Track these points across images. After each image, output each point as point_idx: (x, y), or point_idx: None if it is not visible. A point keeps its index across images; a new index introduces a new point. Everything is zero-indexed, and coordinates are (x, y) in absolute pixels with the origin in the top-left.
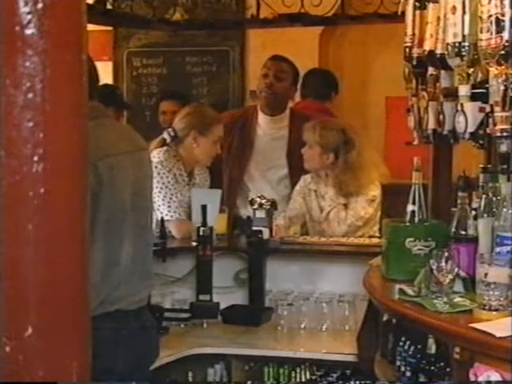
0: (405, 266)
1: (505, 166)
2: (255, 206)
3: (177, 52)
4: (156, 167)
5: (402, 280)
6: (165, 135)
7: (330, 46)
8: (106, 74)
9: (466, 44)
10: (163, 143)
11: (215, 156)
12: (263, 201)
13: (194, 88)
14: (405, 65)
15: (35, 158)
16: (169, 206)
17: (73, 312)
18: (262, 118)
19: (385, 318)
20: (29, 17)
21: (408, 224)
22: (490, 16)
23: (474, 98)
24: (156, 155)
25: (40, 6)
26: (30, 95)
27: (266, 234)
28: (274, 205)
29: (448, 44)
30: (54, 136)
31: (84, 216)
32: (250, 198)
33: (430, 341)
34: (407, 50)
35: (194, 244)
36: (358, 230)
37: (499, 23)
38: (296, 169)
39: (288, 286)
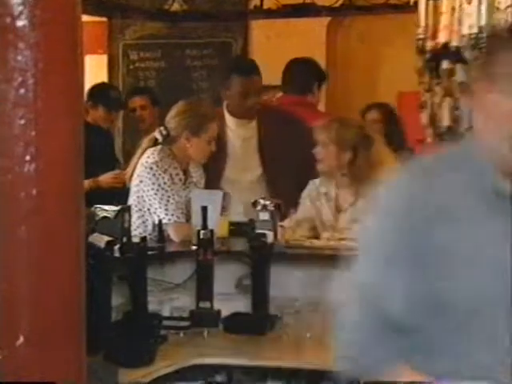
0: None
1: None
2: (258, 208)
3: (176, 45)
4: (151, 168)
5: None
6: (156, 134)
7: (337, 38)
8: (100, 67)
9: (483, 35)
10: (155, 142)
11: (210, 154)
12: (267, 202)
13: (193, 82)
14: (417, 58)
15: (27, 158)
16: (166, 209)
17: (66, 320)
18: (230, 121)
19: None
20: (20, 8)
21: None
22: (508, 6)
23: None
24: (150, 155)
25: None
26: (22, 91)
27: (270, 238)
28: (278, 207)
29: (464, 36)
30: (47, 134)
31: (79, 219)
32: (253, 201)
33: None
34: (420, 42)
35: (194, 248)
36: None
37: None
38: (271, 166)
39: (294, 292)
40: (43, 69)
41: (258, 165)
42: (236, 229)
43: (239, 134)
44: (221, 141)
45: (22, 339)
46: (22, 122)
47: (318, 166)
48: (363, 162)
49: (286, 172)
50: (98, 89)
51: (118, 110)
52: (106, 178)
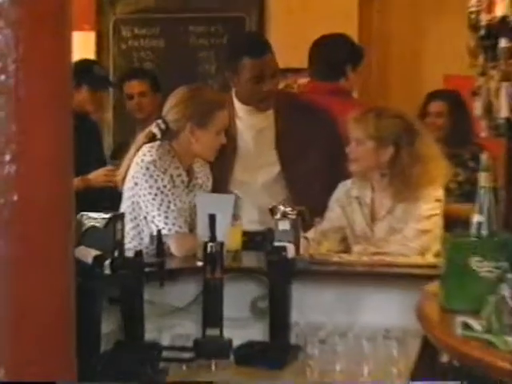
0: (469, 293)
1: None
2: (277, 216)
3: (177, 20)
4: (148, 168)
5: (465, 311)
6: (153, 129)
7: (373, 11)
8: (86, 47)
9: None
10: (152, 138)
11: (220, 148)
12: (287, 209)
13: (199, 65)
14: (469, 35)
15: (7, 158)
16: (166, 217)
17: (52, 349)
18: (241, 109)
19: (444, 359)
20: None
21: (474, 239)
22: None
23: None
24: (147, 152)
25: None
26: (2, 77)
27: (291, 252)
28: (302, 214)
29: None
30: (30, 128)
31: (67, 231)
32: (271, 208)
33: None
34: (473, 16)
35: (200, 264)
36: (420, 242)
37: None
38: (290, 163)
39: (320, 317)
40: (25, 51)
41: (275, 162)
42: (250, 241)
43: (252, 125)
44: (229, 134)
45: (2, 372)
46: (2, 114)
47: (351, 166)
48: (406, 160)
49: (310, 171)
50: (79, 66)
51: (104, 89)
52: (97, 176)
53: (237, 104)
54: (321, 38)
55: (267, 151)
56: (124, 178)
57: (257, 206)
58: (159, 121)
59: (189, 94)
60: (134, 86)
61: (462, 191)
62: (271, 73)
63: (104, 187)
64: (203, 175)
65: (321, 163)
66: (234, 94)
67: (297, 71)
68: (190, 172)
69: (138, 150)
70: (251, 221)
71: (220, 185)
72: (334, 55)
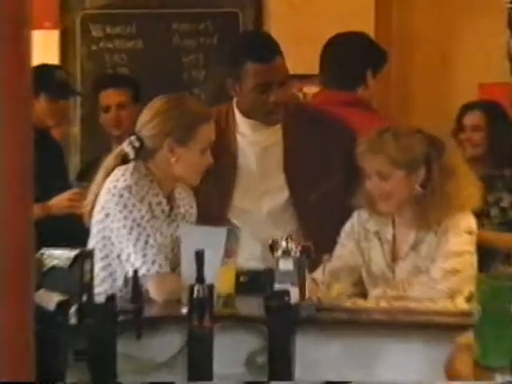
0: (510, 347)
1: None
2: (279, 253)
3: (158, 16)
4: (121, 196)
5: (505, 368)
6: (126, 147)
7: (393, 7)
8: (48, 48)
9: None
10: (124, 158)
11: (206, 169)
12: (291, 244)
13: (184, 70)
14: (510, 36)
15: None
16: (144, 254)
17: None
18: (243, 123)
19: None
20: None
21: None
22: None
23: None
24: (120, 177)
25: None
26: None
27: (295, 296)
28: (307, 250)
29: None
30: None
31: (28, 268)
32: (271, 243)
33: None
34: None
35: (185, 311)
36: (449, 284)
37: None
38: (301, 187)
39: (328, 374)
40: None
41: (283, 186)
42: (247, 282)
43: (255, 141)
44: (228, 151)
45: None
46: None
47: (381, 206)
48: (438, 177)
49: (325, 198)
50: (37, 70)
51: (67, 98)
52: (59, 202)
53: (238, 117)
54: (335, 38)
55: (274, 173)
56: (92, 209)
57: (259, 239)
58: (132, 137)
59: (167, 104)
60: (112, 96)
61: (506, 219)
62: (280, 80)
63: (68, 216)
64: (186, 203)
65: (338, 188)
66: (234, 105)
67: (302, 78)
68: (170, 199)
69: (108, 174)
70: (252, 257)
71: (216, 213)
72: (351, 58)
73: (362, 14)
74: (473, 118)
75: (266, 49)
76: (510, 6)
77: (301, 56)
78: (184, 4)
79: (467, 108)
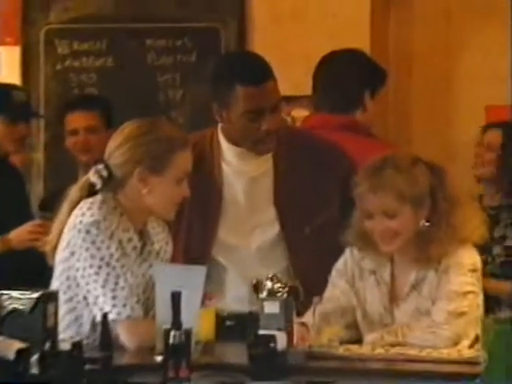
0: None
1: None
2: (263, 295)
3: (131, 31)
4: (88, 232)
5: None
6: (92, 177)
7: (390, 20)
8: (9, 66)
9: None
10: (91, 189)
11: (181, 202)
12: (277, 285)
13: (159, 91)
14: None
15: None
16: (113, 297)
17: None
18: (229, 151)
19: None
20: None
21: None
22: None
23: None
24: (87, 211)
25: None
26: None
27: (281, 342)
28: (295, 291)
29: None
30: None
31: None
32: (255, 284)
33: None
34: None
35: (160, 359)
36: (453, 328)
37: None
38: (292, 222)
39: None
40: None
41: (274, 220)
42: (231, 326)
43: (243, 171)
44: (212, 182)
45: None
46: None
47: (384, 247)
48: (444, 206)
49: (319, 232)
50: None
51: (26, 120)
52: (20, 234)
53: (223, 143)
54: (329, 55)
55: (263, 206)
56: (55, 247)
57: (247, 279)
58: (100, 166)
59: (139, 129)
60: (80, 119)
61: (510, 258)
62: (273, 106)
63: (30, 252)
64: (161, 238)
65: (333, 221)
66: (220, 130)
67: (290, 100)
68: (143, 235)
69: (73, 207)
70: (238, 299)
71: (198, 250)
72: (347, 78)
73: (355, 29)
74: (490, 137)
75: (258, 70)
76: None
77: (288, 76)
78: (160, 18)
79: (488, 126)
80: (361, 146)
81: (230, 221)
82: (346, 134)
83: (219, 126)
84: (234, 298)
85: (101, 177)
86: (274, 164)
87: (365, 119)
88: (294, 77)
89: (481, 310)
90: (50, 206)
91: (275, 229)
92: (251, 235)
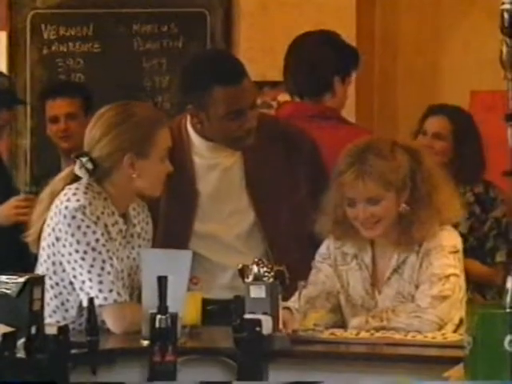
0: (503, 381)
1: None
2: (249, 279)
3: (117, 16)
4: (74, 217)
5: None
6: (77, 170)
7: (376, 8)
8: None
9: None
10: (74, 180)
11: (167, 178)
12: (263, 269)
13: (146, 77)
14: (502, 40)
15: None
16: (100, 281)
17: None
18: (201, 144)
19: None
20: None
21: (509, 311)
22: None
23: None
24: (72, 196)
25: None
26: None
27: (267, 326)
28: (281, 275)
29: None
30: None
31: None
32: (241, 268)
33: None
34: (506, 15)
35: (146, 343)
36: (437, 312)
37: None
38: (267, 208)
39: None
40: None
41: (248, 208)
42: (215, 312)
43: (215, 164)
44: (185, 176)
45: None
46: None
47: (367, 233)
48: (423, 187)
49: (294, 218)
50: None
51: (9, 107)
52: (5, 210)
53: (195, 138)
54: (299, 37)
55: (237, 194)
56: (38, 239)
57: (227, 266)
58: (84, 159)
59: (117, 117)
60: (60, 106)
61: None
62: (250, 103)
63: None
64: (141, 219)
65: (307, 206)
66: (188, 123)
67: (275, 85)
68: (126, 218)
69: (56, 194)
70: (219, 286)
71: (176, 241)
72: (316, 61)
73: (340, 15)
74: (436, 123)
75: (234, 70)
76: (503, 7)
77: (274, 61)
78: (146, 3)
79: (431, 111)
80: (332, 134)
81: (206, 211)
82: (315, 122)
83: (187, 119)
84: (215, 286)
85: (86, 170)
86: (243, 153)
87: (334, 104)
88: (279, 62)
89: (464, 291)
90: (36, 191)
91: (250, 216)
92: (228, 224)
